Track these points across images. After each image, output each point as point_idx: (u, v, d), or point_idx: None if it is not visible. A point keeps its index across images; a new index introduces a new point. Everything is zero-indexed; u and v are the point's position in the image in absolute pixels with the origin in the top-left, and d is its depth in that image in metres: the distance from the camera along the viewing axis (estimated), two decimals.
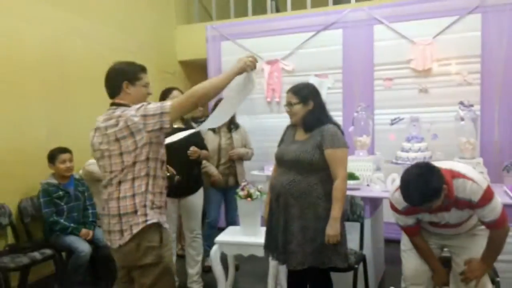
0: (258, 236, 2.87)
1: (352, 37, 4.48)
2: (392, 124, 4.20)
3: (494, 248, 2.22)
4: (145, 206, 1.92)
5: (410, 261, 2.43)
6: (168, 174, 2.30)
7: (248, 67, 2.02)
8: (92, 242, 3.36)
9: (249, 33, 4.90)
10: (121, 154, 1.91)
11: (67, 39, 4.04)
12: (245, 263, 3.76)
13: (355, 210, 2.96)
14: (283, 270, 3.14)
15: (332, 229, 2.27)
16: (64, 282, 3.31)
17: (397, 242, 2.64)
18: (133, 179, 1.92)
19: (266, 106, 4.85)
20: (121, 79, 2.03)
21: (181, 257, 3.66)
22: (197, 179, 3.29)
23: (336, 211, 2.28)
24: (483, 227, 2.33)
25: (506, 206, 2.71)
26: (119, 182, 1.93)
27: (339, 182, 2.31)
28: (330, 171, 2.33)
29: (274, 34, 4.80)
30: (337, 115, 4.53)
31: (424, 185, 1.98)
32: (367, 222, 3.08)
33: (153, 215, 1.94)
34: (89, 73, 4.25)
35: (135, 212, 1.91)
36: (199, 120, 4.13)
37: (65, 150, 3.47)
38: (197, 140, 3.23)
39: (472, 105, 3.34)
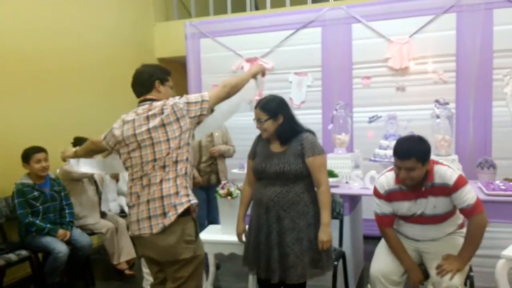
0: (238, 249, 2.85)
1: (331, 35, 4.52)
2: (370, 122, 4.26)
3: (472, 240, 2.29)
4: (186, 187, 2.05)
5: (383, 256, 2.48)
6: None
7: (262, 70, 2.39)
8: (69, 243, 3.31)
9: (228, 30, 4.88)
10: (167, 140, 2.03)
11: (44, 35, 3.95)
12: (225, 261, 3.76)
13: (335, 207, 2.99)
14: None
15: (325, 235, 2.30)
16: (41, 283, 3.25)
17: (376, 238, 2.70)
18: (176, 163, 2.03)
19: (246, 104, 4.84)
20: (153, 78, 2.17)
21: None
22: None
23: (326, 217, 2.33)
24: (459, 235, 2.40)
25: (484, 202, 2.81)
26: (163, 167, 2.02)
27: (324, 188, 2.36)
28: (312, 179, 2.37)
29: (253, 31, 4.80)
30: (316, 113, 4.61)
31: (416, 141, 2.28)
32: (346, 219, 3.11)
33: (193, 196, 2.08)
34: (65, 70, 4.18)
35: (177, 193, 2.01)
36: None
37: (40, 150, 3.38)
38: None
39: (447, 103, 3.41)
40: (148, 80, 2.16)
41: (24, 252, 3.20)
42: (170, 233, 1.99)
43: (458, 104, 4.15)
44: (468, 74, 4.10)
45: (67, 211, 3.49)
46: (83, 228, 3.59)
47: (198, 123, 2.15)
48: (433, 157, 2.46)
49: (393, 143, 3.43)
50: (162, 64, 5.58)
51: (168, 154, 2.02)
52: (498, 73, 4.03)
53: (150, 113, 2.06)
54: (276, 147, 2.42)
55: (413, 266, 2.42)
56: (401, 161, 2.25)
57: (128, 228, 2.54)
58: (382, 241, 2.66)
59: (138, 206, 2.05)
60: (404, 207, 2.38)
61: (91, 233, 3.66)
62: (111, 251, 3.66)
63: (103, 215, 3.83)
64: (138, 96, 2.19)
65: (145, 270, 3.04)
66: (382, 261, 2.47)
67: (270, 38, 4.73)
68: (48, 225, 3.27)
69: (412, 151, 2.22)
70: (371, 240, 3.80)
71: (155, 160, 2.02)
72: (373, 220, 2.68)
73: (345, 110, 3.71)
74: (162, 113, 2.04)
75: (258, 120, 2.40)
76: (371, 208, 2.71)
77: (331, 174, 3.34)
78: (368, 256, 3.72)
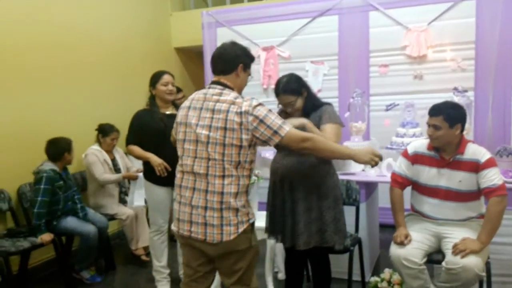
0: (256, 220, 2.90)
1: (348, 23, 4.49)
2: (387, 110, 4.24)
3: (490, 222, 2.33)
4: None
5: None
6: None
7: (370, 163, 2.10)
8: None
9: (245, 19, 4.89)
10: (223, 144, 1.88)
11: (60, 28, 4.02)
12: None
13: (351, 194, 3.01)
14: (280, 252, 3.21)
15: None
16: (65, 266, 3.37)
17: (392, 227, 2.72)
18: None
19: (262, 93, 4.87)
20: (239, 60, 2.01)
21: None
22: None
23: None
24: (480, 224, 2.41)
25: None
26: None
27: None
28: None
29: (270, 20, 4.79)
30: (333, 102, 4.55)
31: (450, 104, 2.48)
32: (362, 206, 3.13)
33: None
34: (85, 59, 4.25)
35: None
36: None
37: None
38: None
39: (466, 91, 3.38)
40: (233, 61, 2.00)
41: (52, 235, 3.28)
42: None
43: (477, 92, 4.09)
44: (487, 61, 4.04)
45: (76, 196, 3.53)
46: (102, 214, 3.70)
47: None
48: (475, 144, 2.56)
49: (410, 131, 3.48)
50: (179, 53, 5.78)
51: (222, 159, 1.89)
52: None
53: (216, 106, 1.90)
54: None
55: (402, 225, 2.56)
56: (430, 118, 2.42)
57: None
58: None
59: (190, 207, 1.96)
60: (428, 173, 2.47)
61: (111, 218, 3.76)
62: (129, 237, 3.76)
63: (123, 202, 3.92)
64: (214, 72, 2.04)
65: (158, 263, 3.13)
66: (404, 246, 2.48)
67: (287, 26, 4.72)
68: (42, 224, 3.25)
69: (441, 110, 2.39)
70: (386, 229, 3.82)
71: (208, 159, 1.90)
72: (389, 208, 2.75)
73: (362, 98, 3.70)
74: (227, 115, 1.87)
75: (287, 104, 2.44)
76: (387, 196, 2.77)
77: None
78: (384, 244, 3.75)
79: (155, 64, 4.89)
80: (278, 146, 2.53)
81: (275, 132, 1.89)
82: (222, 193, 1.89)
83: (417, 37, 4.24)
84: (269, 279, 3.03)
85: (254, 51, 4.77)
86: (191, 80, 6.10)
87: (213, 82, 2.01)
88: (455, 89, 3.38)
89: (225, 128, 1.87)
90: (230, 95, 1.92)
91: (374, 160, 2.09)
